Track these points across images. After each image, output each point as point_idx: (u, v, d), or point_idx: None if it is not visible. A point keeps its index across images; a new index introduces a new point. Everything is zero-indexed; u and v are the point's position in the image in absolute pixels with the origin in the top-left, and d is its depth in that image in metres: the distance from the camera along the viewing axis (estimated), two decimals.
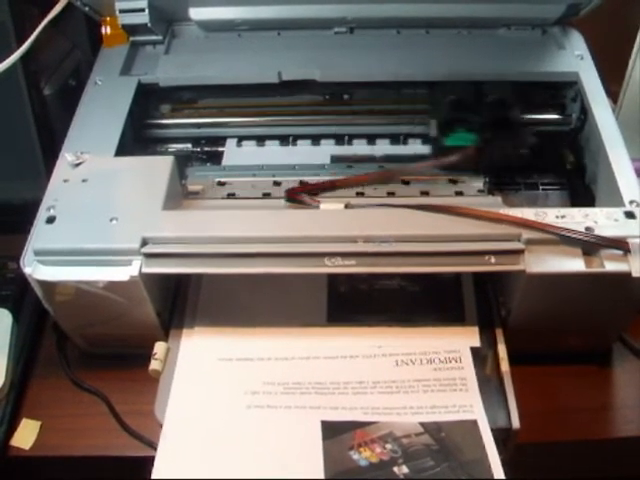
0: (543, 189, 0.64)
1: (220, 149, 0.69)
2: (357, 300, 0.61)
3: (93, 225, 0.54)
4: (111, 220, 0.54)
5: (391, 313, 0.60)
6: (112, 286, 0.53)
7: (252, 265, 0.53)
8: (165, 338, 0.59)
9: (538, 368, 0.60)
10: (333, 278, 0.62)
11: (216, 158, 0.69)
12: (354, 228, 0.53)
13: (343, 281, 0.62)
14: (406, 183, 0.62)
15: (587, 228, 0.52)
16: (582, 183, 0.63)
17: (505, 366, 0.56)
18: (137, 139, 0.67)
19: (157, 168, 0.58)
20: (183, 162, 0.66)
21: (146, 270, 0.53)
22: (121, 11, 0.67)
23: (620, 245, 0.51)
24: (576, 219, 0.53)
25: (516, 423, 0.52)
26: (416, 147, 0.68)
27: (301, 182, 0.62)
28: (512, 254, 0.52)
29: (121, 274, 0.52)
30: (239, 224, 0.54)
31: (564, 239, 0.52)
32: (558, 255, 0.52)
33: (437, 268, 0.53)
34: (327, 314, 0.60)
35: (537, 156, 0.67)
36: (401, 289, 0.62)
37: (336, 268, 0.52)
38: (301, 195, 0.59)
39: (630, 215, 0.53)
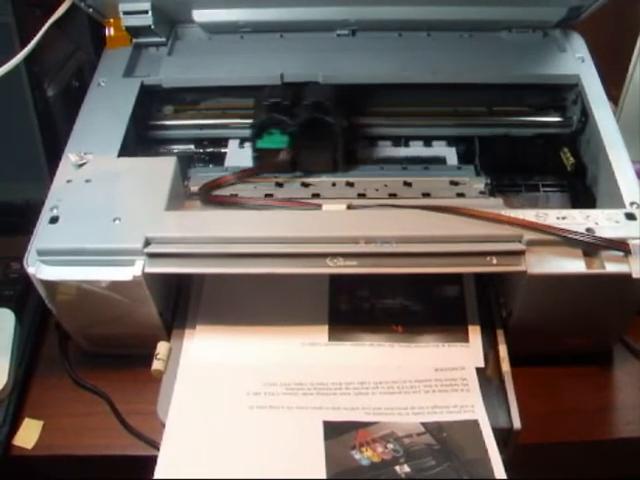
0: (544, 191, 0.65)
1: (222, 150, 0.69)
2: (359, 319, 0.60)
3: (96, 225, 0.54)
4: (114, 220, 0.54)
5: (393, 333, 0.59)
6: (115, 286, 0.53)
7: (254, 265, 0.53)
8: (167, 338, 0.59)
9: (539, 369, 0.60)
10: (335, 296, 0.61)
11: (218, 159, 0.69)
12: (356, 229, 0.54)
13: (345, 300, 0.61)
14: (408, 184, 0.63)
15: (588, 229, 0.53)
16: (583, 185, 0.64)
17: (506, 366, 0.56)
18: (140, 140, 0.67)
19: (160, 169, 0.58)
20: (186, 163, 0.66)
21: (149, 270, 0.53)
22: (125, 13, 0.67)
23: (621, 246, 0.52)
24: (577, 220, 0.53)
25: (517, 423, 0.52)
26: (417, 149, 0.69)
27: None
28: (513, 255, 0.52)
29: (124, 274, 0.53)
30: (241, 224, 0.55)
31: (565, 240, 0.52)
32: (559, 256, 0.52)
33: (438, 269, 0.53)
34: (329, 334, 0.59)
35: (538, 158, 0.68)
36: (403, 308, 0.61)
37: (338, 269, 0.52)
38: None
39: (631, 217, 0.54)
